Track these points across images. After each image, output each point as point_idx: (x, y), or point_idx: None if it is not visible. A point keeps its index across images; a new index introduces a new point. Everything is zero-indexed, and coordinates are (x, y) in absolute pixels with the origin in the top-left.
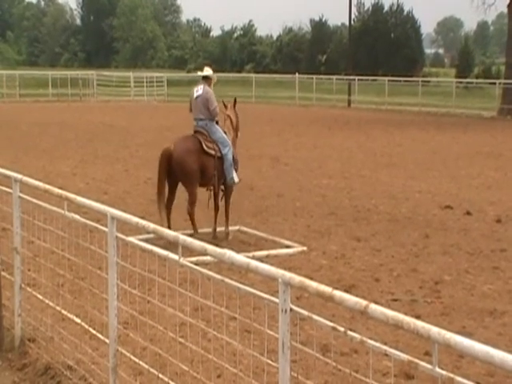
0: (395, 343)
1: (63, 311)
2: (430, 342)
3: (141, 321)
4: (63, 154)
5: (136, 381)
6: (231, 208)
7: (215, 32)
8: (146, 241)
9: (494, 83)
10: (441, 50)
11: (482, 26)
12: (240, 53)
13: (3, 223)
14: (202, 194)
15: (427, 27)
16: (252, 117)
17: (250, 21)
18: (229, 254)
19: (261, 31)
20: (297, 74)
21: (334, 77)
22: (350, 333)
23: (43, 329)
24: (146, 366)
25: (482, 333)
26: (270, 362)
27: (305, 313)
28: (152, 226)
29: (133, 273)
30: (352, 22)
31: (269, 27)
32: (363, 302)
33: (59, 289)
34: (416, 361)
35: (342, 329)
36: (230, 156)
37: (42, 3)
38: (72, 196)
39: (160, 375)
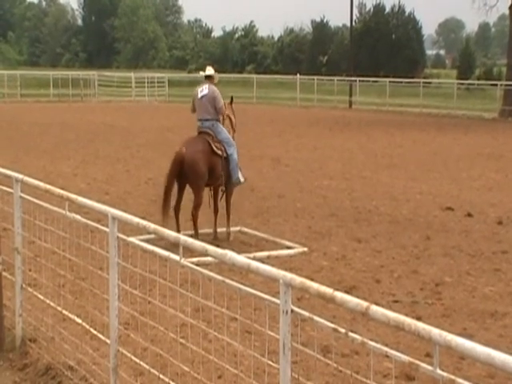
0: (396, 345)
1: (64, 311)
2: (431, 343)
3: (142, 321)
4: (64, 154)
5: (137, 381)
6: (232, 209)
7: (216, 32)
8: (147, 241)
9: (496, 85)
10: (442, 52)
11: (484, 27)
12: (241, 53)
13: (4, 223)
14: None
15: (428, 28)
16: (253, 117)
17: (252, 21)
18: (230, 254)
19: (262, 32)
20: (298, 75)
21: (335, 78)
22: (351, 334)
23: (44, 329)
24: (147, 367)
25: (482, 335)
26: (270, 362)
27: (306, 314)
28: (153, 226)
29: (134, 273)
30: (353, 22)
31: (270, 28)
32: (364, 304)
33: (60, 289)
34: (417, 362)
35: (343, 330)
36: (235, 156)
37: (44, 3)
38: (73, 196)
39: (161, 376)
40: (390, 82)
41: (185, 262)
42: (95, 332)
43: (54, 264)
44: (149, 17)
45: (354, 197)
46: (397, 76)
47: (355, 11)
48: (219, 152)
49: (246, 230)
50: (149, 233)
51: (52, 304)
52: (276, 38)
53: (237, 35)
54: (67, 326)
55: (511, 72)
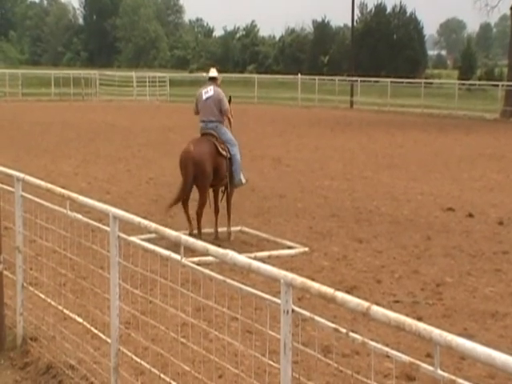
0: (397, 345)
1: (65, 310)
2: (432, 343)
3: (142, 321)
4: (65, 153)
5: (137, 381)
6: (233, 208)
7: (218, 32)
8: (148, 241)
9: (497, 85)
10: (443, 52)
11: (485, 27)
12: (242, 53)
13: (5, 222)
14: None
15: (430, 29)
16: (254, 117)
17: (253, 21)
18: (231, 254)
19: (263, 32)
20: (299, 75)
21: (337, 78)
22: (351, 334)
23: (45, 328)
24: (148, 366)
25: (483, 335)
26: (271, 362)
27: (307, 314)
28: (154, 225)
29: (135, 273)
30: (354, 23)
31: (271, 28)
32: (365, 304)
33: (61, 288)
34: (417, 362)
35: (343, 330)
36: (238, 157)
37: (45, 2)
38: (74, 195)
39: (162, 375)
40: (391, 82)
41: (186, 261)
42: (96, 331)
43: (55, 263)
44: (150, 16)
45: (355, 197)
46: (398, 76)
47: (356, 11)
48: (224, 153)
49: (246, 229)
50: (150, 232)
51: (53, 303)
52: (277, 38)
53: (238, 35)
54: (68, 325)
55: None
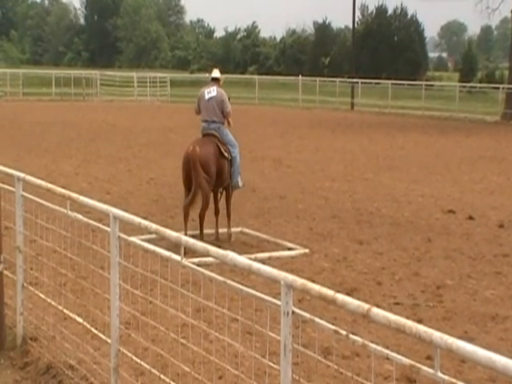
0: (397, 347)
1: (65, 310)
2: (432, 346)
3: (143, 321)
4: (66, 153)
5: (137, 381)
6: (233, 209)
7: (219, 33)
8: (148, 241)
9: (498, 88)
10: (444, 54)
11: (486, 30)
12: (243, 54)
13: (6, 222)
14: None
15: (431, 31)
16: (255, 118)
17: (254, 22)
18: (231, 255)
19: (264, 33)
20: (300, 76)
21: (337, 79)
22: (351, 336)
23: (45, 328)
24: (148, 367)
25: (483, 338)
26: (271, 364)
27: (307, 315)
28: (154, 226)
29: (135, 273)
30: (355, 24)
31: (272, 29)
32: (365, 306)
33: (61, 288)
34: (418, 365)
35: (343, 332)
36: (238, 159)
37: (46, 2)
38: (75, 195)
39: (161, 376)
40: (392, 84)
41: (186, 262)
42: (96, 331)
43: (56, 263)
44: (151, 16)
45: (356, 199)
46: (399, 78)
47: (357, 13)
48: (226, 154)
49: (247, 230)
50: (150, 233)
51: (53, 303)
52: (278, 39)
53: (239, 36)
54: (68, 325)
55: None
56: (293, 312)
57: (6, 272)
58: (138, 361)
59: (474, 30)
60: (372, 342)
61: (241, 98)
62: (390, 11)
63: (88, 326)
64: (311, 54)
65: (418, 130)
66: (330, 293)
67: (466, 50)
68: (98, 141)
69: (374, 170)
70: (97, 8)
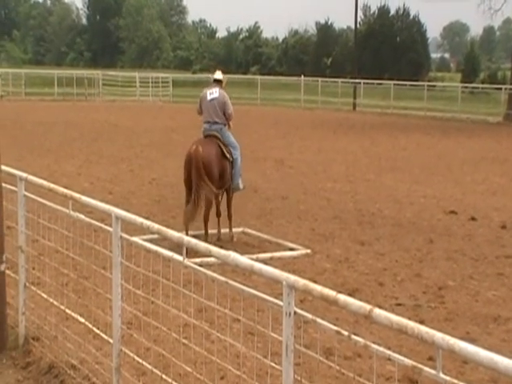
0: (399, 348)
1: (67, 310)
2: (434, 347)
3: (144, 321)
4: (68, 153)
5: (139, 381)
6: (235, 210)
7: (221, 33)
8: (151, 241)
9: (500, 88)
10: (446, 55)
11: (488, 31)
12: (245, 54)
13: (8, 221)
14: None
15: (433, 31)
16: (257, 119)
17: (256, 22)
18: (233, 255)
19: (266, 33)
20: (302, 77)
21: (340, 80)
22: (353, 337)
23: (47, 328)
24: (150, 367)
25: (485, 339)
26: (273, 364)
27: (309, 316)
28: (156, 226)
29: (137, 273)
30: (358, 25)
31: (274, 29)
32: (367, 307)
33: (63, 288)
34: (420, 366)
35: (345, 333)
36: (239, 161)
37: (48, 2)
38: (77, 195)
39: (163, 376)
40: (394, 84)
41: (188, 262)
42: (98, 331)
43: (58, 263)
44: (153, 17)
45: (358, 199)
46: (401, 79)
47: (360, 13)
48: (228, 156)
49: (249, 231)
50: (152, 233)
51: (55, 303)
52: (280, 40)
53: (241, 36)
54: (70, 325)
55: None
56: (295, 312)
57: (8, 272)
58: (140, 361)
59: (476, 30)
60: (374, 342)
61: (243, 99)
62: (392, 12)
63: (90, 326)
64: (313, 55)
65: (420, 130)
66: (331, 293)
67: (469, 50)
68: (100, 141)
69: (376, 170)
70: (99, 8)
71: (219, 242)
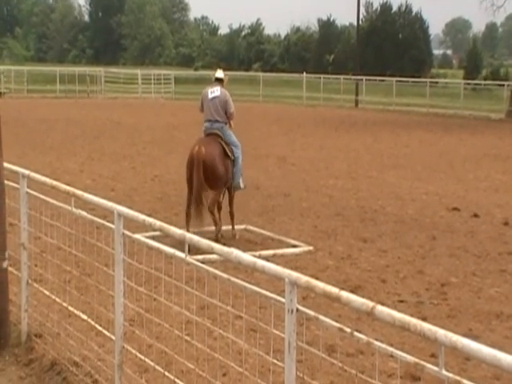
0: (401, 345)
1: (70, 307)
2: (437, 344)
3: (147, 318)
4: (70, 150)
5: (141, 378)
6: (237, 207)
7: (223, 30)
8: (153, 238)
9: (503, 85)
10: (449, 51)
11: (491, 27)
12: (248, 51)
13: (10, 219)
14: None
15: (435, 28)
16: (259, 116)
17: (258, 19)
18: (235, 252)
19: (269, 30)
20: (304, 74)
21: (342, 77)
22: (356, 334)
23: (50, 324)
24: (152, 364)
25: (488, 336)
26: (275, 361)
27: (311, 313)
28: (158, 223)
29: (139, 270)
30: (360, 22)
31: (277, 26)
32: (370, 303)
33: (66, 285)
34: (422, 363)
35: (348, 330)
36: (240, 160)
37: None
38: (79, 192)
39: (166, 373)
40: (396, 81)
41: (190, 259)
42: (100, 328)
43: (60, 260)
44: (155, 14)
45: (360, 196)
46: (403, 75)
47: (362, 10)
48: (230, 154)
49: (251, 228)
50: (154, 230)
51: (57, 300)
52: (282, 37)
53: (243, 33)
54: (72, 322)
55: None
56: (297, 309)
57: (10, 269)
58: (143, 358)
59: (478, 27)
60: (376, 339)
61: (245, 96)
62: (394, 8)
63: (92, 323)
64: (315, 52)
65: (423, 127)
66: (334, 290)
67: (471, 47)
68: (103, 138)
69: (378, 167)
70: (101, 5)
71: (221, 238)
